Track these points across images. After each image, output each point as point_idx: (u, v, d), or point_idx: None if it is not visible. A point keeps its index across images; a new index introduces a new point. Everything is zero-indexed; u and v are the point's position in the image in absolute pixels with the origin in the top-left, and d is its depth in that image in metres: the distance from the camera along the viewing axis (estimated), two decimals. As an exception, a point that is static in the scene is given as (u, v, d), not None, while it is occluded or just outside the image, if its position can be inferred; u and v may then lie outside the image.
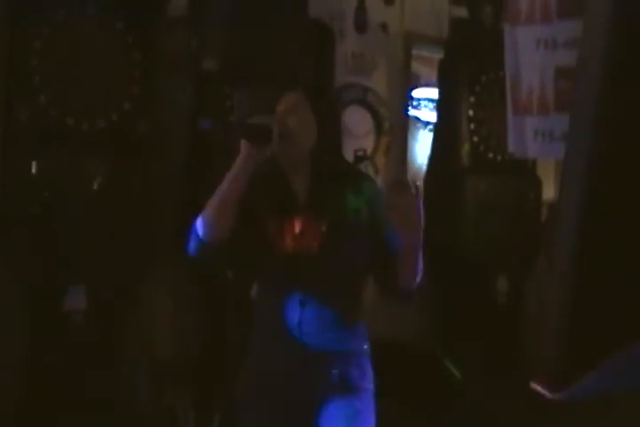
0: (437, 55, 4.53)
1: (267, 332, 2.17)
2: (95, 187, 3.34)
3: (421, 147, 4.85)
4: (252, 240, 2.12)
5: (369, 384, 2.18)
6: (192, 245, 2.10)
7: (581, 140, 1.79)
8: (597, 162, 1.76)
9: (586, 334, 1.76)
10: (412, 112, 4.87)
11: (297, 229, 2.11)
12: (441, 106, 4.58)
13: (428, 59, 4.76)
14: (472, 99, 4.36)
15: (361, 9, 4.46)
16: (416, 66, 4.81)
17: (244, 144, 2.04)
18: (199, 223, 2.07)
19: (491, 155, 4.40)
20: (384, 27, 4.58)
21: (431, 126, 4.80)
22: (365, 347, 2.20)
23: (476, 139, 4.39)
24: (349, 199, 2.14)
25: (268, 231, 2.12)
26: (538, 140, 3.51)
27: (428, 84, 4.83)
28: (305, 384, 2.11)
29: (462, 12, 4.44)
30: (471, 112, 4.38)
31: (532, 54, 3.45)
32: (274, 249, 2.12)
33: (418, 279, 2.10)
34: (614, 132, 1.75)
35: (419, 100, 4.89)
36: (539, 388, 1.80)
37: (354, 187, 2.16)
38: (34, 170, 3.25)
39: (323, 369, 2.11)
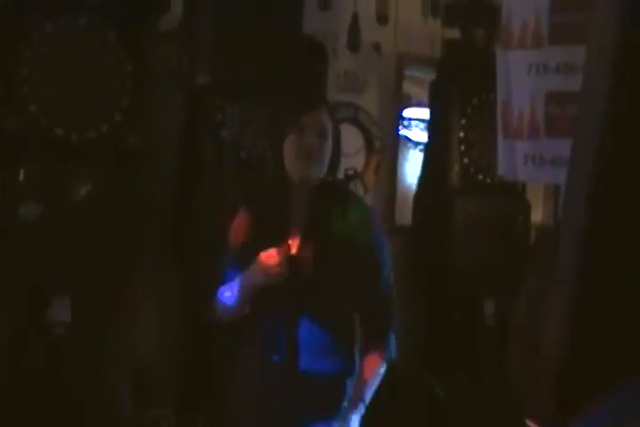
0: (429, 76, 4.55)
1: (255, 352, 2.16)
2: (83, 197, 3.33)
3: (411, 167, 4.85)
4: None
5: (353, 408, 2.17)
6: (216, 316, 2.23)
7: (583, 164, 1.78)
8: (600, 186, 1.75)
9: (585, 368, 1.74)
10: (402, 132, 4.87)
11: (289, 250, 2.12)
12: (432, 126, 4.59)
13: (419, 79, 4.77)
14: (463, 120, 4.37)
15: (354, 28, 4.47)
16: (408, 86, 4.82)
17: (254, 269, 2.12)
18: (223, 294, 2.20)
19: (480, 177, 4.40)
20: (377, 46, 4.60)
21: (421, 147, 4.80)
22: (354, 374, 2.19)
23: (466, 160, 4.39)
24: (343, 225, 2.15)
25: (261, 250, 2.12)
26: (528, 164, 3.52)
27: (419, 105, 4.85)
28: (290, 407, 2.10)
29: (455, 33, 4.47)
30: (462, 133, 4.38)
31: (524, 79, 3.47)
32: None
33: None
34: (617, 156, 1.75)
35: (410, 120, 4.90)
36: (532, 424, 1.78)
37: (350, 213, 2.18)
38: (21, 178, 3.24)
39: (309, 392, 2.10)
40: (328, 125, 2.17)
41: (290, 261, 2.09)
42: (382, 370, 2.20)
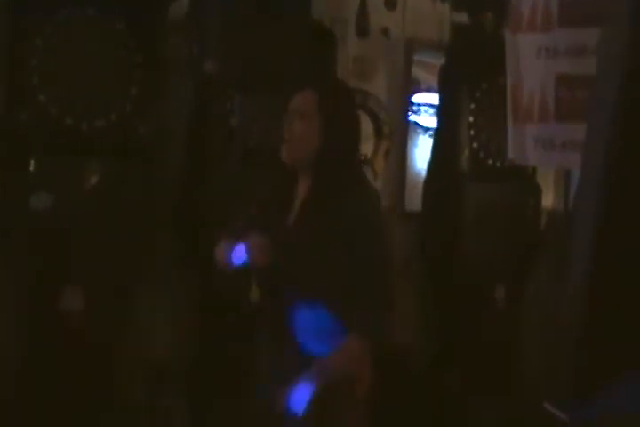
0: (438, 61, 4.53)
1: (267, 336, 2.17)
2: (93, 186, 3.34)
3: (421, 152, 4.84)
4: None
5: None
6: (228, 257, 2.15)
7: (598, 151, 1.78)
8: (615, 173, 1.74)
9: (601, 351, 1.74)
10: (412, 117, 4.86)
11: (288, 230, 2.11)
12: (441, 112, 4.58)
13: (429, 64, 4.75)
14: (472, 105, 4.36)
15: (363, 13, 4.46)
16: (417, 71, 4.81)
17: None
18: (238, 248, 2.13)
19: (490, 161, 4.39)
20: (385, 32, 4.58)
21: (431, 132, 4.79)
22: None
23: (475, 145, 4.38)
24: (340, 214, 2.10)
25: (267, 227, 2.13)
26: (538, 148, 3.51)
27: (428, 90, 4.83)
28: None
29: (463, 17, 4.44)
30: (471, 118, 4.37)
31: (533, 62, 3.45)
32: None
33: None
34: (632, 142, 1.74)
35: (419, 105, 4.89)
36: (550, 407, 1.79)
37: (348, 203, 2.12)
38: (32, 168, 3.25)
39: None
40: (312, 108, 2.11)
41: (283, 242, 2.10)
42: (360, 352, 2.06)
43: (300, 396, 1.95)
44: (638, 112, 1.77)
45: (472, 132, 4.37)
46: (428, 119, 4.86)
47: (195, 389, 3.60)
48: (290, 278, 2.09)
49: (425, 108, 4.89)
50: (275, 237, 2.10)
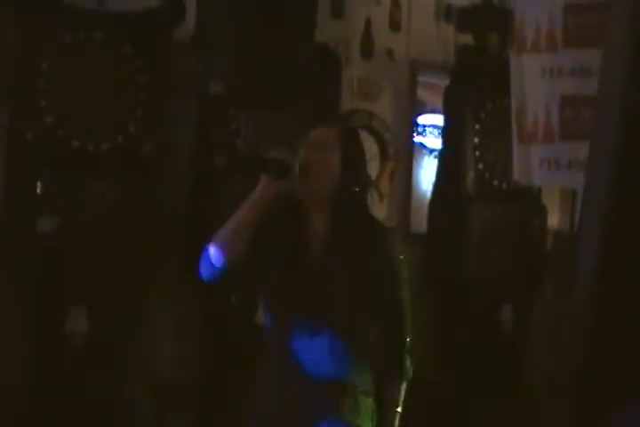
0: (443, 82, 4.54)
1: (273, 362, 2.15)
2: (99, 208, 3.35)
3: (426, 173, 4.83)
4: (264, 269, 2.12)
5: (368, 424, 2.14)
6: (204, 270, 2.09)
7: (602, 168, 1.78)
8: (618, 190, 1.74)
9: (605, 376, 1.72)
10: (417, 138, 4.86)
11: (309, 267, 2.11)
12: (446, 133, 4.59)
13: (433, 85, 4.76)
14: (477, 126, 4.36)
15: (367, 35, 4.48)
16: (421, 92, 4.82)
17: (264, 176, 2.04)
18: (211, 247, 2.07)
19: (496, 182, 4.39)
20: (390, 53, 4.60)
21: (436, 153, 4.79)
22: (368, 385, 2.17)
23: (481, 166, 4.38)
24: (366, 255, 2.11)
25: (281, 264, 2.11)
26: (543, 169, 3.51)
27: (433, 111, 4.83)
28: (305, 414, 2.09)
29: (468, 39, 4.46)
30: (476, 139, 4.37)
31: (538, 83, 3.46)
32: (285, 282, 2.11)
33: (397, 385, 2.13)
34: (636, 160, 1.74)
35: (424, 126, 4.89)
36: None
37: (372, 239, 2.13)
38: (39, 191, 3.26)
39: (322, 399, 2.10)
40: (334, 139, 2.11)
41: (308, 278, 2.08)
42: (402, 389, 2.17)
43: None
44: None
45: (477, 153, 4.37)
46: (434, 140, 4.86)
47: (200, 404, 3.58)
48: (312, 315, 2.09)
49: (430, 129, 4.89)
50: (296, 277, 2.09)
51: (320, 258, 2.12)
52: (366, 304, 2.13)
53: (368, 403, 2.16)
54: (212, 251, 2.06)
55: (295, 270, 2.11)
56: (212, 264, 2.06)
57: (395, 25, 4.58)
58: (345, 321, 2.11)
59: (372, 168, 4.60)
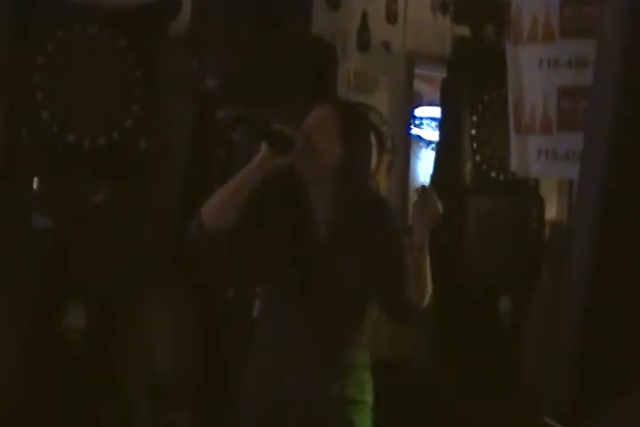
0: (440, 74, 4.53)
1: (268, 347, 2.15)
2: (96, 203, 3.34)
3: (423, 166, 4.83)
4: (258, 246, 2.11)
5: (368, 397, 2.16)
6: (193, 231, 2.08)
7: (595, 158, 1.77)
8: (612, 180, 1.74)
9: (599, 365, 1.73)
10: (414, 131, 4.85)
11: (310, 247, 2.11)
12: (443, 125, 4.58)
13: (430, 77, 4.75)
14: (474, 118, 4.36)
15: (363, 27, 4.47)
16: (418, 85, 4.81)
17: (263, 148, 2.02)
18: (203, 211, 2.06)
19: (493, 174, 4.39)
20: (386, 45, 4.59)
21: (433, 145, 4.78)
22: (366, 359, 2.18)
23: (478, 158, 4.38)
24: (369, 229, 2.12)
25: (279, 244, 2.11)
26: (541, 160, 3.51)
27: (430, 103, 4.83)
28: (305, 398, 2.09)
29: (465, 30, 4.45)
30: (473, 131, 4.37)
31: (535, 74, 3.46)
32: (282, 265, 2.11)
33: (427, 297, 2.12)
34: (629, 151, 1.73)
35: (421, 118, 4.88)
36: (550, 421, 1.77)
37: (376, 217, 2.15)
38: (35, 186, 3.25)
39: (323, 384, 2.09)
40: (333, 120, 2.11)
41: (308, 259, 2.08)
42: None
43: None
44: (635, 122, 1.77)
45: (474, 145, 4.37)
46: (431, 133, 4.86)
47: (198, 402, 3.58)
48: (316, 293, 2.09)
49: (427, 121, 4.88)
50: (299, 256, 2.09)
51: (323, 236, 2.11)
52: (369, 278, 2.12)
53: (368, 377, 2.16)
54: (202, 217, 2.05)
55: (298, 249, 2.11)
56: (199, 230, 2.05)
57: (391, 17, 4.57)
58: (348, 297, 2.11)
59: (370, 161, 4.59)
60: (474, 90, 4.34)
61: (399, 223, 2.22)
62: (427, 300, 2.14)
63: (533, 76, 3.45)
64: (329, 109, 2.15)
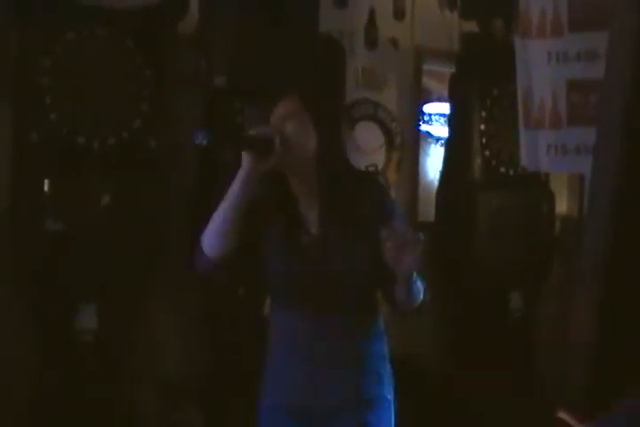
0: (448, 70, 4.52)
1: (281, 347, 2.15)
2: (106, 204, 3.34)
3: (433, 162, 4.82)
4: (258, 252, 2.10)
5: (388, 393, 2.14)
6: (199, 262, 2.08)
7: (609, 152, 1.76)
8: (625, 173, 1.73)
9: (614, 361, 1.72)
10: (423, 127, 4.85)
11: (305, 241, 2.09)
12: (452, 121, 4.57)
13: (439, 73, 4.74)
14: (483, 113, 4.34)
15: (371, 24, 4.47)
16: (427, 81, 4.80)
17: (245, 157, 2.01)
18: (205, 244, 2.06)
19: (503, 169, 4.37)
20: (394, 42, 4.58)
21: (443, 141, 4.78)
22: (384, 351, 2.16)
23: (487, 153, 4.36)
24: (357, 205, 2.08)
25: (275, 244, 2.10)
26: (551, 154, 3.49)
27: (439, 99, 4.81)
28: (319, 398, 2.09)
29: (473, 26, 4.44)
30: (483, 126, 4.36)
31: (544, 68, 3.44)
32: (282, 262, 2.10)
33: (417, 301, 2.07)
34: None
35: (430, 115, 4.87)
36: (565, 416, 1.76)
37: (361, 190, 2.10)
38: (46, 188, 3.26)
39: (337, 382, 2.09)
40: (299, 107, 2.07)
41: (306, 252, 2.06)
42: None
43: None
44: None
45: (484, 141, 4.36)
46: (440, 129, 4.85)
47: (208, 403, 3.59)
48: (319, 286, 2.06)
49: (436, 117, 4.87)
50: (296, 250, 2.07)
51: (316, 227, 2.09)
52: (372, 262, 2.05)
53: (387, 370, 2.14)
54: (204, 242, 2.05)
55: (294, 244, 2.09)
56: (204, 255, 2.05)
57: (399, 14, 4.57)
58: (352, 286, 2.08)
59: (379, 158, 4.59)
60: (482, 85, 4.33)
61: (389, 194, 2.17)
62: (418, 301, 2.08)
63: (542, 70, 3.43)
64: (294, 98, 2.12)
